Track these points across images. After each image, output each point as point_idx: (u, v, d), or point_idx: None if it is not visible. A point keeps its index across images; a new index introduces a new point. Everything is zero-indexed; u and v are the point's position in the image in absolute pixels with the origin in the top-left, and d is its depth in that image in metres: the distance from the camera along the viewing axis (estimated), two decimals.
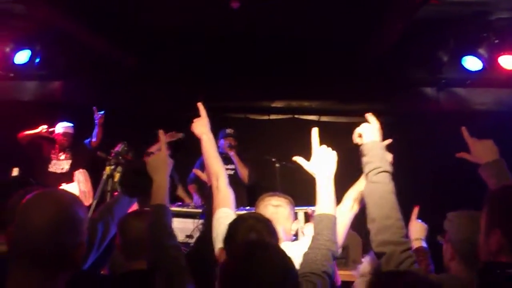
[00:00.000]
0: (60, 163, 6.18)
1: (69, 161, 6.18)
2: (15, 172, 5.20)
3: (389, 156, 2.32)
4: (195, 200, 5.55)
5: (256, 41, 5.82)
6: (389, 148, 2.46)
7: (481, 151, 2.31)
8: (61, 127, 6.16)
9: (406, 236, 1.89)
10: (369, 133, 2.15)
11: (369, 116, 2.23)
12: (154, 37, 5.84)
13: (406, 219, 2.26)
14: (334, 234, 2.08)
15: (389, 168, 2.04)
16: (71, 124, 6.22)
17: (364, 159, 2.09)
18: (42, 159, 6.16)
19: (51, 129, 6.16)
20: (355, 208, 2.46)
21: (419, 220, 2.73)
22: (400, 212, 1.93)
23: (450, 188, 5.62)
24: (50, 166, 6.15)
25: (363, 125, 2.20)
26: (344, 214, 2.42)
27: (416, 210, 2.75)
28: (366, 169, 2.05)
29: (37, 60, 5.97)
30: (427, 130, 6.03)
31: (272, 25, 5.41)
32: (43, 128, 6.11)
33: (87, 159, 5.97)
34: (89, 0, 4.98)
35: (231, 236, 1.97)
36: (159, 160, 2.20)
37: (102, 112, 5.98)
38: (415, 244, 2.55)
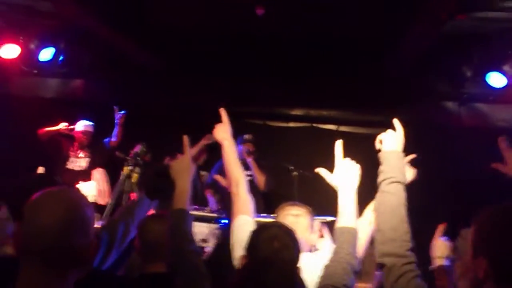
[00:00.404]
0: (78, 161, 6.20)
1: (87, 159, 6.19)
2: (41, 170, 5.23)
3: (412, 171, 2.29)
4: (210, 204, 5.55)
5: (277, 48, 5.83)
6: (411, 162, 2.44)
7: None
8: (82, 125, 6.19)
9: (412, 250, 1.81)
10: (390, 141, 2.08)
11: (396, 122, 2.15)
12: (177, 37, 5.86)
13: (422, 232, 2.22)
14: (354, 248, 2.07)
15: (403, 179, 1.97)
16: (91, 123, 6.26)
17: (380, 167, 2.03)
18: (60, 156, 6.20)
19: (71, 127, 6.20)
20: (374, 222, 2.43)
21: (444, 238, 2.66)
22: (409, 225, 1.86)
23: (468, 202, 5.54)
24: (68, 163, 6.17)
25: (388, 131, 2.12)
26: (364, 227, 2.40)
27: (441, 228, 2.68)
28: (380, 177, 1.99)
29: (61, 58, 6.04)
30: (447, 144, 5.97)
31: (296, 32, 5.42)
32: (63, 125, 6.16)
33: (105, 158, 6.00)
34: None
35: (253, 245, 1.93)
36: (183, 164, 2.20)
37: (123, 112, 6.01)
38: (437, 262, 2.50)
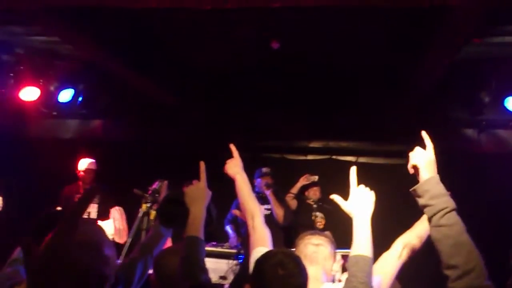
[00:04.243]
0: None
1: (95, 205, 5.79)
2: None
3: None
4: (231, 240, 5.49)
5: (293, 81, 5.84)
6: None
7: None
8: (84, 164, 5.96)
9: (489, 278, 1.69)
10: (424, 168, 1.90)
11: (424, 136, 1.97)
12: (195, 76, 5.92)
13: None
14: (368, 277, 1.98)
15: (452, 205, 1.82)
16: (92, 160, 6.03)
17: (422, 201, 1.86)
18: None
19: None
20: (404, 256, 2.33)
21: None
22: (478, 251, 1.73)
23: (493, 230, 5.39)
24: None
25: (417, 153, 1.94)
26: (392, 261, 2.31)
27: None
28: (428, 212, 1.83)
29: (80, 99, 6.13)
30: (468, 171, 5.85)
31: (311, 65, 5.42)
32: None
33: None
34: (131, 41, 5.10)
35: (258, 272, 1.90)
36: (198, 190, 2.17)
37: None
38: None
